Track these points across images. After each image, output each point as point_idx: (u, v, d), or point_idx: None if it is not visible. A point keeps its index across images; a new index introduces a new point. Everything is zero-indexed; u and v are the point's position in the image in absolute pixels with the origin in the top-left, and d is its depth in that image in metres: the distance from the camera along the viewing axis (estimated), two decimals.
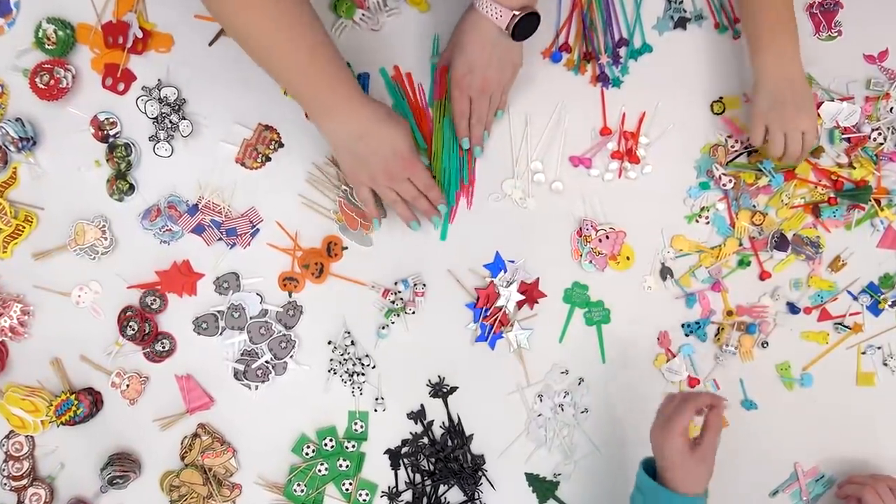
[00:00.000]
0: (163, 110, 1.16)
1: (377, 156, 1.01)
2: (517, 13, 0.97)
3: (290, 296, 1.17)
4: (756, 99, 1.09)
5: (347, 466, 1.17)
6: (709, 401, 0.97)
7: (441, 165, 1.16)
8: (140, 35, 1.16)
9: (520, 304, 1.17)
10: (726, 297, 1.18)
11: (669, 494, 0.92)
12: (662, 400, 1.02)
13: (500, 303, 1.16)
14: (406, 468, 1.18)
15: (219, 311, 1.17)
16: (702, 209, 1.18)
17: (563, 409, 1.17)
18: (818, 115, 1.14)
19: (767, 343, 1.18)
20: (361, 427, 1.18)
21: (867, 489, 1.08)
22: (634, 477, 1.00)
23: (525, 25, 1.00)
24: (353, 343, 1.17)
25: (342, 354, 1.17)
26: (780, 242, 1.17)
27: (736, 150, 1.18)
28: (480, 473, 1.17)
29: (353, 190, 1.10)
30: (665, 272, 1.18)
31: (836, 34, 1.19)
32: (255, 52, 0.87)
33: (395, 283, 1.17)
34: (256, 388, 1.17)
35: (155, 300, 1.17)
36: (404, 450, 1.18)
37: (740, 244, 1.18)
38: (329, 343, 1.17)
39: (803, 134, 1.08)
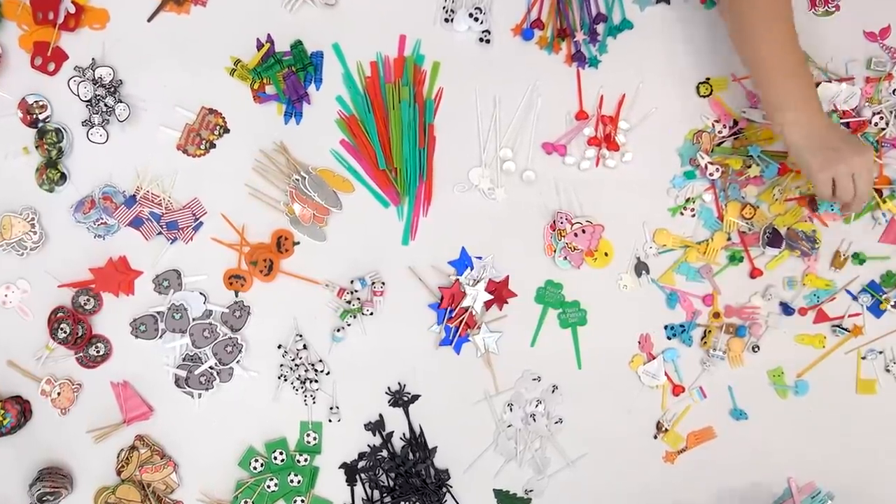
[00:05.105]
0: (97, 92, 1.11)
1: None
2: None
3: (236, 295, 1.13)
4: (798, 162, 1.00)
5: (299, 482, 1.12)
6: None
7: (402, 155, 1.12)
8: (72, 10, 1.11)
9: (488, 305, 1.13)
10: (716, 296, 1.14)
11: None
12: None
13: (466, 303, 1.12)
14: (363, 484, 1.14)
15: (158, 312, 1.12)
16: (687, 200, 1.14)
17: (534, 420, 1.13)
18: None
19: (759, 347, 1.15)
20: (315, 439, 1.13)
21: None
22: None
23: None
24: (305, 347, 1.13)
25: (293, 359, 1.13)
26: (773, 238, 1.13)
27: (723, 136, 1.13)
28: (445, 490, 1.14)
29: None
30: (640, 268, 1.14)
31: (833, 9, 1.15)
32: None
33: (352, 282, 1.12)
34: (200, 396, 1.13)
35: (89, 300, 1.12)
36: (361, 464, 1.14)
37: (729, 239, 1.14)
38: (279, 347, 1.13)
39: (855, 176, 0.98)
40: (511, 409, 1.13)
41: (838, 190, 0.98)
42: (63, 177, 1.11)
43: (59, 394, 1.12)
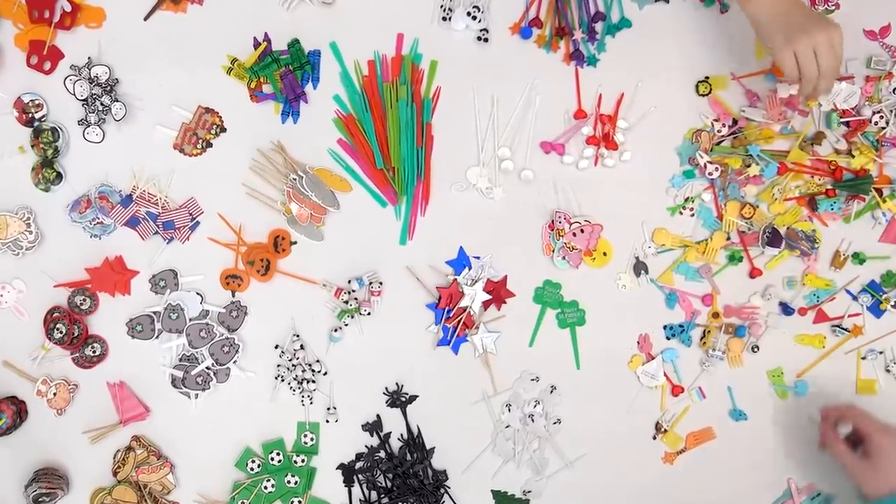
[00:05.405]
0: (93, 91, 1.11)
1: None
2: None
3: (233, 295, 1.12)
4: (762, 39, 1.00)
5: (296, 483, 1.12)
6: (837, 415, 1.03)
7: (400, 154, 1.11)
8: (68, 8, 1.11)
9: (486, 305, 1.12)
10: (715, 296, 1.13)
11: None
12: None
13: (464, 303, 1.11)
14: (361, 485, 1.13)
15: (155, 312, 1.12)
16: (686, 200, 1.13)
17: (533, 420, 1.12)
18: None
19: (758, 347, 1.14)
20: (312, 440, 1.12)
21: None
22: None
23: None
24: (302, 347, 1.12)
25: (290, 360, 1.12)
26: (773, 237, 1.12)
27: (722, 135, 1.12)
28: (442, 490, 1.13)
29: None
30: (639, 267, 1.13)
31: (833, 7, 1.14)
32: None
33: (349, 282, 1.11)
34: (196, 396, 1.12)
35: (85, 300, 1.11)
36: (359, 464, 1.13)
37: (728, 238, 1.13)
38: (276, 347, 1.12)
39: (816, 52, 0.96)
40: (509, 410, 1.12)
41: (801, 67, 0.96)
42: (59, 176, 1.10)
43: (54, 394, 1.11)
